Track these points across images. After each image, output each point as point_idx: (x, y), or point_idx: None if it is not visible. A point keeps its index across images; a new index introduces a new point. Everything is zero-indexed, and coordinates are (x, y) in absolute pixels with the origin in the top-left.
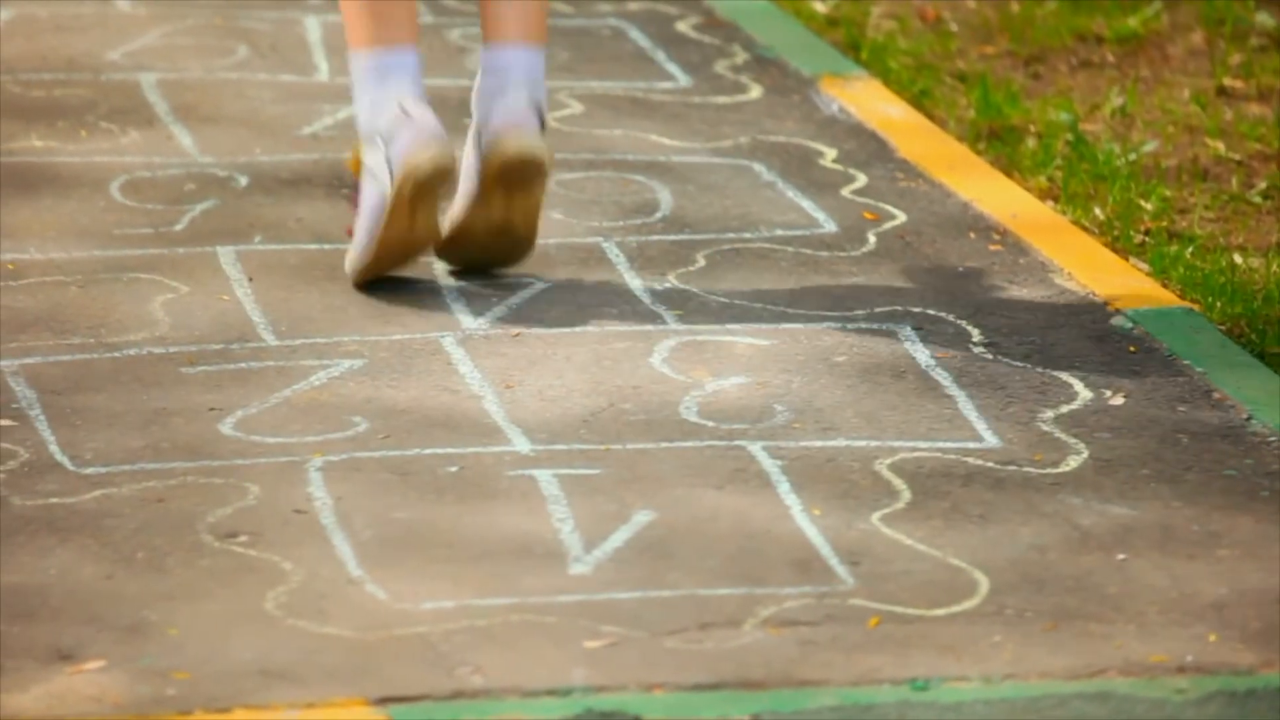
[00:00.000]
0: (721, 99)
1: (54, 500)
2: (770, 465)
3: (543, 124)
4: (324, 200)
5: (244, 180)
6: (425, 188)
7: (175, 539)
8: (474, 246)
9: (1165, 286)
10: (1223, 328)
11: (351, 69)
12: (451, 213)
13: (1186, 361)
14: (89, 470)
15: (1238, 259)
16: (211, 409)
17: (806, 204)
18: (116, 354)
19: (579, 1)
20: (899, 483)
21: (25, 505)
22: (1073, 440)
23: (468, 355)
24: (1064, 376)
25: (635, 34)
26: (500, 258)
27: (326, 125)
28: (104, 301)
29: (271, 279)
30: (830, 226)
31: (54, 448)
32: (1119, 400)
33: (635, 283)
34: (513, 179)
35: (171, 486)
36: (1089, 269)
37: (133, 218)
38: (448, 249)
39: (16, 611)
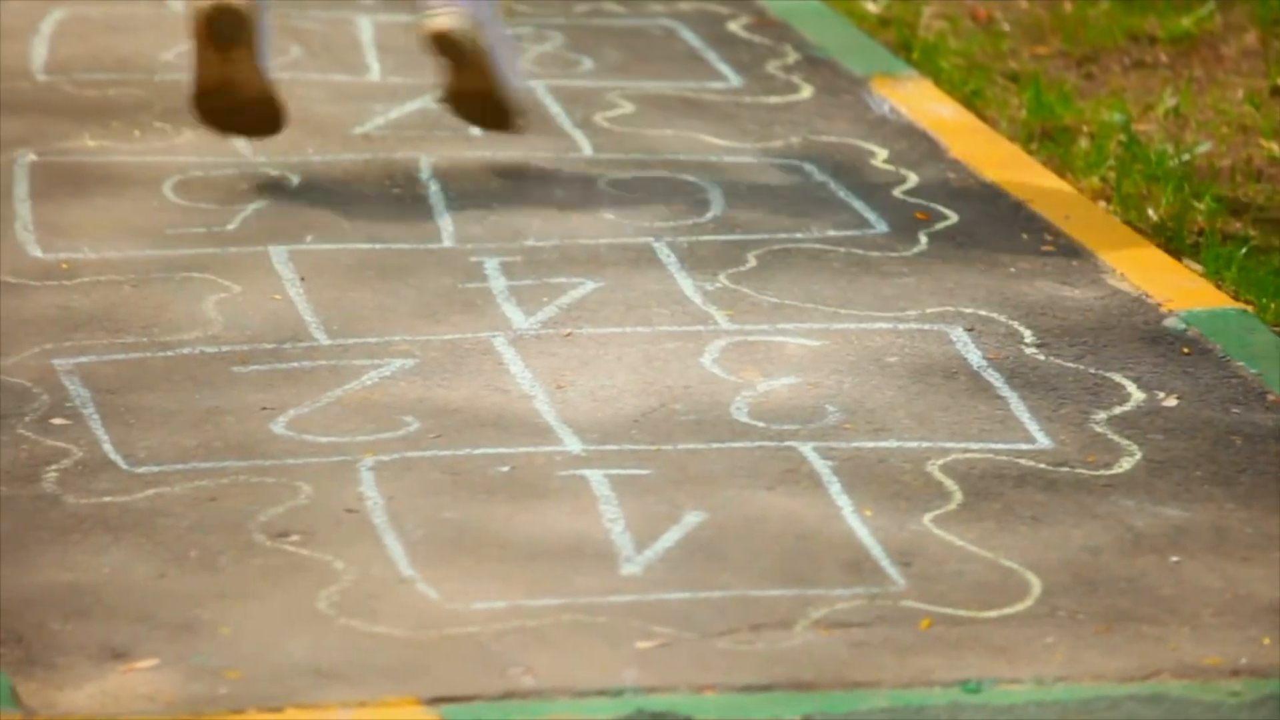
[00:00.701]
0: (773, 99)
1: (107, 499)
2: (821, 466)
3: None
4: (376, 200)
5: (296, 180)
6: (211, 28)
7: (228, 538)
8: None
9: (1219, 287)
10: (1277, 329)
11: None
12: None
13: (1240, 363)
14: (142, 469)
15: None
16: (264, 408)
17: (858, 204)
18: (170, 353)
19: (631, 2)
20: (951, 484)
21: (79, 504)
22: (1126, 442)
23: (519, 355)
24: (1117, 378)
25: (687, 34)
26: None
27: (378, 125)
28: (157, 301)
29: (323, 278)
30: (882, 227)
31: (108, 446)
32: (1172, 401)
33: (686, 283)
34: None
35: (224, 485)
36: (1142, 270)
37: (186, 217)
38: None
39: (70, 610)
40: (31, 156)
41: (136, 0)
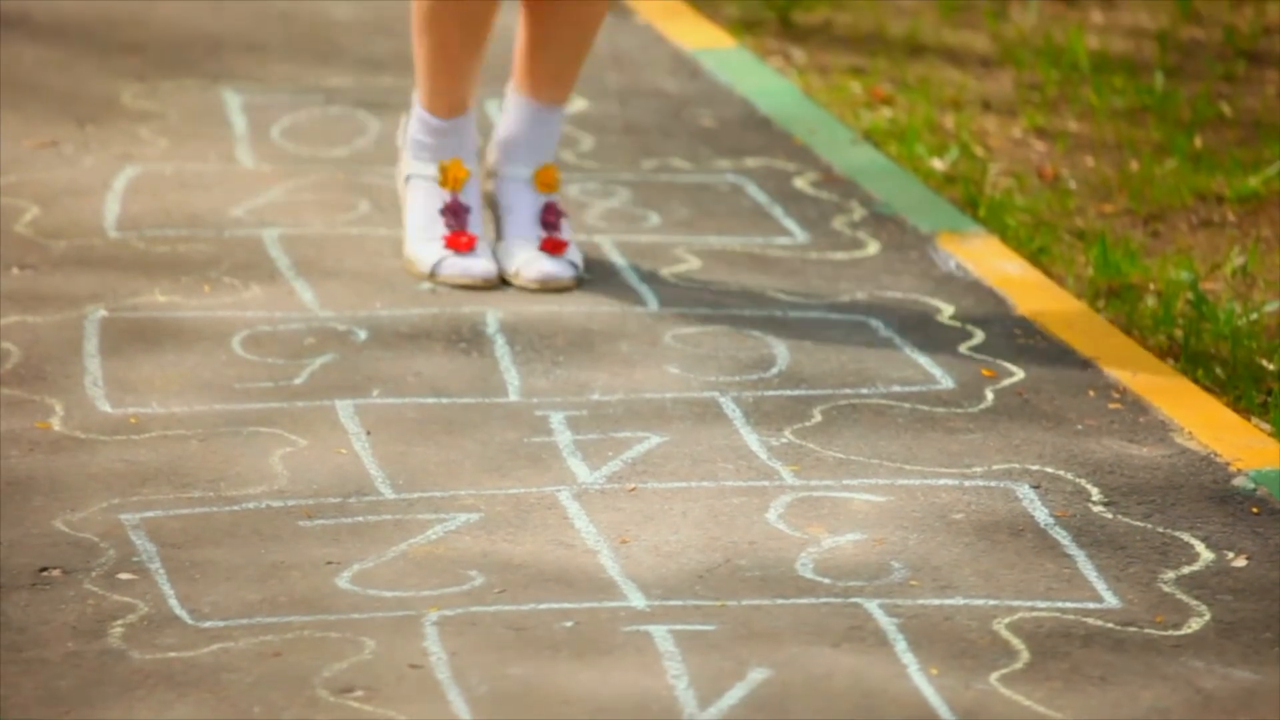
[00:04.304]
0: (839, 255)
1: (172, 654)
2: (887, 623)
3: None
4: (442, 354)
5: (363, 334)
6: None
7: (291, 694)
8: None
9: None
10: None
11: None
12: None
13: None
14: (207, 624)
15: None
16: (329, 562)
17: (924, 360)
18: (235, 507)
19: (698, 158)
20: (1017, 642)
21: (144, 659)
22: (1194, 602)
23: (583, 509)
24: (1185, 537)
25: (753, 190)
26: None
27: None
28: (224, 455)
29: (389, 432)
30: (948, 383)
31: (173, 601)
32: (1241, 562)
33: (751, 438)
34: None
35: (288, 640)
36: (1210, 428)
37: (253, 372)
38: None
39: None
40: (102, 312)
41: (207, 158)
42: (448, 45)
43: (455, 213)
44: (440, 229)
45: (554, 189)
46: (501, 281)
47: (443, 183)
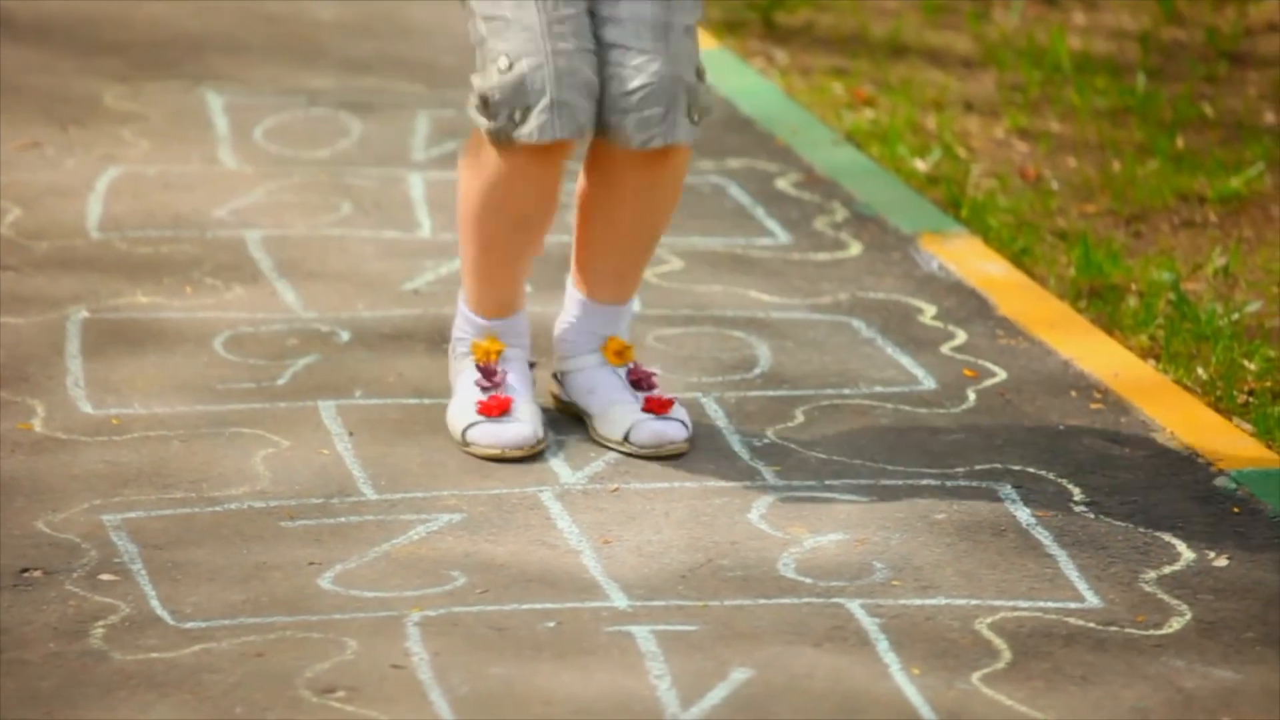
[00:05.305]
0: (821, 255)
1: (154, 655)
2: (869, 623)
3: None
4: (425, 355)
5: (346, 335)
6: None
7: (273, 694)
8: None
9: (1269, 447)
10: None
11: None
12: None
13: None
14: (189, 625)
15: None
16: (311, 563)
17: (906, 360)
18: (217, 508)
19: None
20: (999, 642)
21: (125, 660)
22: (1176, 602)
23: (565, 510)
24: (1166, 537)
25: (735, 190)
26: None
27: (429, 280)
28: (206, 456)
29: (372, 433)
30: (930, 383)
31: (155, 602)
32: (1223, 561)
33: (734, 438)
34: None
35: (271, 641)
36: (1192, 429)
37: (235, 373)
38: None
39: None
40: (84, 313)
41: (190, 160)
42: (495, 243)
43: (488, 375)
44: (475, 395)
45: (629, 358)
46: (540, 450)
47: (478, 357)
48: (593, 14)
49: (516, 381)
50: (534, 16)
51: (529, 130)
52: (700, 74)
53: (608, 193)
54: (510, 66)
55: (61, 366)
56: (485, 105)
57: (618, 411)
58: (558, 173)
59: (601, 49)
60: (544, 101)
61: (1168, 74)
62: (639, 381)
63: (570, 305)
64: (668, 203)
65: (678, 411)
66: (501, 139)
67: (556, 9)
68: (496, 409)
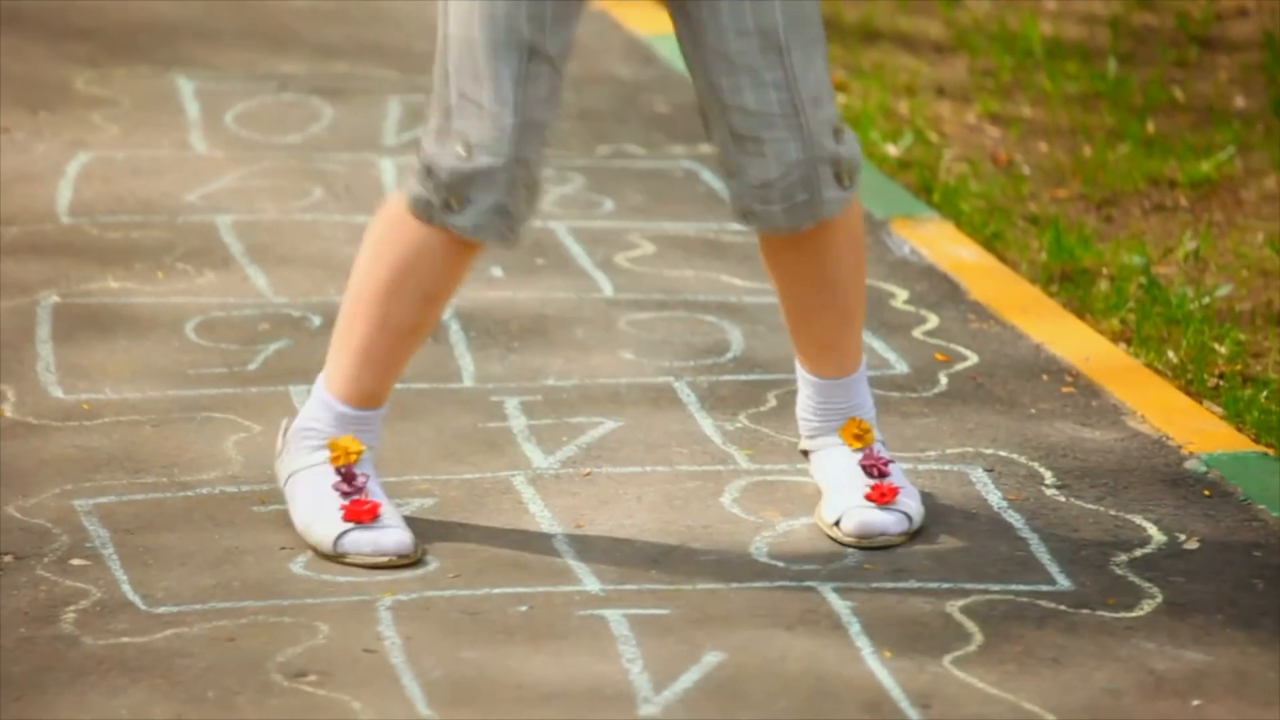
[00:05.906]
0: None
1: (125, 640)
2: (841, 607)
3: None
4: None
5: (317, 320)
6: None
7: (245, 678)
8: None
9: (1240, 430)
10: None
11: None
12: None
13: (1261, 506)
14: (160, 609)
15: None
16: (283, 548)
17: (878, 344)
18: (189, 493)
19: (652, 144)
20: (971, 625)
21: (97, 645)
22: (1146, 584)
23: (538, 494)
24: (1137, 520)
25: (707, 175)
26: None
27: None
28: (177, 441)
29: None
30: (902, 367)
31: (126, 587)
32: (1193, 544)
33: (706, 422)
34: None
35: (242, 625)
36: (1162, 412)
37: (207, 358)
38: None
39: None
40: (54, 298)
41: (160, 145)
42: (394, 322)
43: (349, 479)
44: (336, 501)
45: (868, 441)
46: (420, 557)
47: (333, 459)
48: (718, 99)
49: (375, 486)
50: (510, 119)
51: (464, 224)
52: (838, 134)
53: (784, 275)
54: (469, 156)
55: (32, 352)
56: (428, 174)
57: (838, 498)
58: (476, 259)
59: (732, 138)
60: (490, 202)
61: (1139, 59)
62: (870, 467)
63: (801, 385)
64: (847, 266)
65: (903, 500)
66: (431, 216)
67: (532, 112)
68: (368, 515)
